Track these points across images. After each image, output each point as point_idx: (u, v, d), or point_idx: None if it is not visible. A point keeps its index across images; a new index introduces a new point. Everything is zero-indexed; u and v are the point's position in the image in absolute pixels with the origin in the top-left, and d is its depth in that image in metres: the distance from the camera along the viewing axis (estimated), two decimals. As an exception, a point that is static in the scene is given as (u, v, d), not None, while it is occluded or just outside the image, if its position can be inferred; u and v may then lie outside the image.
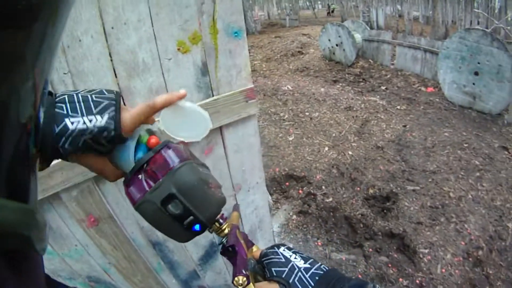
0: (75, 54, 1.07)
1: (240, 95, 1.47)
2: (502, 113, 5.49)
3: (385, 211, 3.50)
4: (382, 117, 5.79)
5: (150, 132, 0.64)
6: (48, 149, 0.51)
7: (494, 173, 3.97)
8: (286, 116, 6.17)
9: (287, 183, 4.17)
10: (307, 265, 0.60)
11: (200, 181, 0.57)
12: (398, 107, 6.16)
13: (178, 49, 1.28)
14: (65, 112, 0.51)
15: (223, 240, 0.66)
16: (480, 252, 2.87)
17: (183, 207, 0.54)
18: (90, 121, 0.51)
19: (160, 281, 1.72)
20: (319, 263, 0.61)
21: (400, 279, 2.73)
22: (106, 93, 0.56)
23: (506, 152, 4.46)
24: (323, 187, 3.94)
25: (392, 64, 8.60)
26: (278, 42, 12.99)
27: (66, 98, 0.52)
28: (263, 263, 0.65)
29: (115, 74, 1.17)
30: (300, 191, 3.95)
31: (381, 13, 16.66)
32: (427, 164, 4.26)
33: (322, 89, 7.44)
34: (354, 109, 6.21)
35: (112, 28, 1.13)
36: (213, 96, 1.43)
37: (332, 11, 29.83)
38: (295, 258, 0.63)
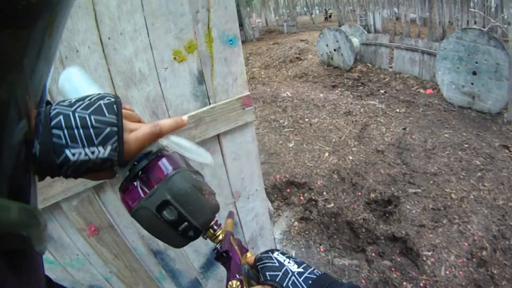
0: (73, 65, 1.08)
1: (237, 102, 1.49)
2: (501, 112, 5.48)
3: (387, 215, 3.49)
4: (382, 120, 5.79)
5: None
6: (48, 174, 0.50)
7: (495, 172, 3.96)
8: (286, 122, 6.19)
9: (288, 190, 4.17)
10: (300, 270, 0.61)
11: (194, 188, 0.58)
12: (398, 110, 6.17)
13: (174, 58, 1.30)
14: (63, 142, 0.48)
15: (217, 246, 0.67)
16: (484, 252, 2.86)
17: (177, 213, 0.55)
18: (93, 153, 0.50)
19: (162, 290, 1.72)
20: (312, 268, 0.63)
21: (404, 283, 2.72)
22: (105, 111, 0.52)
23: (507, 151, 4.45)
24: (324, 192, 3.94)
25: (390, 67, 8.62)
26: (276, 49, 13.05)
27: (63, 122, 0.48)
28: (257, 267, 0.66)
29: (113, 84, 1.19)
30: (301, 198, 3.95)
31: (378, 17, 16.68)
32: (428, 166, 4.25)
33: (321, 95, 7.46)
34: (354, 113, 6.22)
35: (109, 38, 1.15)
36: (210, 104, 1.44)
37: (330, 16, 29.98)
38: (288, 262, 0.64)
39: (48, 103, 0.52)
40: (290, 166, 4.66)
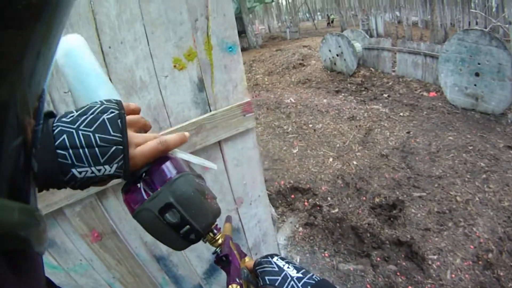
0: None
1: (238, 109, 1.50)
2: (505, 112, 5.44)
3: (392, 219, 3.48)
4: (386, 125, 5.79)
5: None
6: (55, 188, 0.50)
7: (500, 173, 3.94)
8: (290, 128, 6.19)
9: (292, 196, 4.17)
10: (299, 275, 0.62)
11: (197, 192, 0.59)
12: (401, 114, 6.16)
13: (174, 66, 1.32)
14: (69, 162, 0.48)
15: (217, 249, 0.67)
16: (490, 255, 2.84)
17: (180, 216, 0.56)
18: (99, 170, 0.50)
19: (165, 296, 1.73)
20: (311, 273, 0.63)
21: (410, 287, 2.71)
22: (110, 128, 0.51)
23: (512, 152, 4.44)
24: (329, 198, 3.94)
25: (393, 71, 8.60)
26: (279, 55, 13.07)
27: (67, 141, 0.47)
28: (256, 272, 0.66)
29: (114, 92, 1.21)
30: (306, 203, 3.95)
31: (380, 21, 16.70)
32: (432, 169, 4.24)
33: (325, 100, 7.46)
34: (357, 118, 6.21)
35: (110, 47, 1.18)
36: (210, 111, 1.46)
37: (332, 22, 29.98)
38: (288, 267, 0.64)
39: (52, 115, 0.52)
40: (295, 172, 4.66)
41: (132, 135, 0.57)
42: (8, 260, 0.27)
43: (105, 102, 0.54)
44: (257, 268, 0.67)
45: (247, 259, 0.74)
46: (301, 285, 0.60)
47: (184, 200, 0.56)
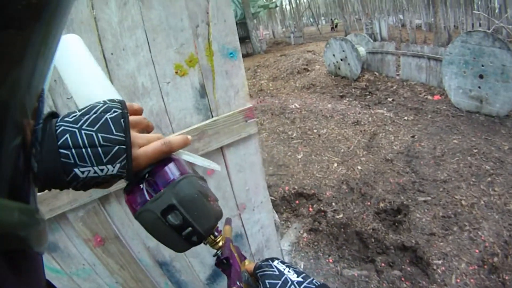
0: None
1: (239, 115, 1.50)
2: (510, 114, 5.41)
3: (396, 224, 3.46)
4: (390, 129, 5.78)
5: None
6: (57, 188, 0.50)
7: (505, 176, 3.92)
8: (294, 134, 6.20)
9: (297, 202, 4.16)
10: (300, 279, 0.61)
11: (200, 194, 0.59)
12: (406, 118, 6.14)
13: (176, 73, 1.33)
14: (72, 161, 0.47)
15: (217, 252, 0.67)
16: (496, 259, 2.82)
17: (182, 218, 0.55)
18: (102, 170, 0.49)
19: (169, 302, 1.73)
20: (312, 278, 0.62)
21: (415, 293, 2.70)
22: (113, 127, 0.50)
23: (517, 154, 4.41)
24: (333, 203, 3.92)
25: (398, 74, 8.58)
26: (283, 61, 13.08)
27: (70, 141, 0.47)
28: (256, 275, 0.66)
29: (117, 99, 1.22)
30: (310, 209, 3.94)
31: (384, 24, 16.70)
32: (437, 173, 4.22)
33: (329, 105, 7.47)
34: (362, 123, 6.21)
35: (112, 54, 1.19)
36: (212, 117, 1.46)
37: (336, 26, 30.08)
38: (288, 271, 0.64)
39: (55, 115, 0.52)
40: (299, 177, 4.66)
41: (135, 136, 0.56)
42: (8, 260, 0.27)
43: (108, 102, 0.54)
44: (257, 271, 0.66)
45: (247, 262, 0.74)
46: None
47: (187, 202, 0.56)
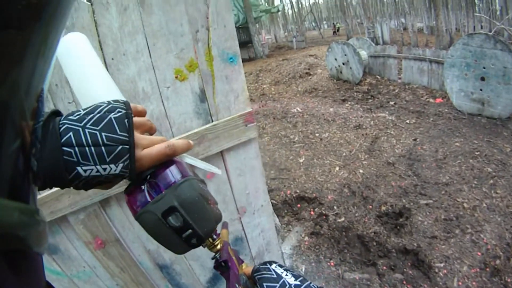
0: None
1: (239, 119, 1.51)
2: (511, 116, 5.41)
3: (398, 227, 3.45)
4: (392, 132, 5.77)
5: None
6: (58, 186, 0.49)
7: (508, 178, 3.91)
8: (296, 138, 6.20)
9: (298, 205, 4.15)
10: (297, 282, 0.62)
11: (201, 197, 0.59)
12: (408, 121, 6.14)
13: (176, 77, 1.34)
14: (75, 159, 0.47)
15: (216, 255, 0.68)
16: (498, 261, 2.81)
17: (183, 220, 0.56)
18: (104, 169, 0.49)
19: (169, 305, 1.74)
20: (309, 281, 0.63)
21: (416, 296, 2.69)
22: (116, 127, 0.51)
23: (519, 156, 4.40)
24: (335, 207, 3.92)
25: (399, 78, 8.56)
26: (286, 65, 13.10)
27: (73, 139, 0.47)
28: (254, 278, 0.67)
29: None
30: (312, 212, 3.93)
31: (386, 28, 16.71)
32: (439, 176, 4.21)
33: (331, 109, 7.47)
34: (364, 127, 6.21)
35: (112, 59, 1.21)
36: (212, 121, 1.47)
37: (338, 30, 30.14)
38: (286, 275, 0.64)
39: (58, 113, 0.52)
40: (301, 181, 4.65)
41: (139, 137, 0.56)
42: (8, 260, 0.27)
43: (112, 102, 0.54)
44: (255, 274, 0.67)
45: (244, 265, 0.75)
46: None
47: (188, 204, 0.57)
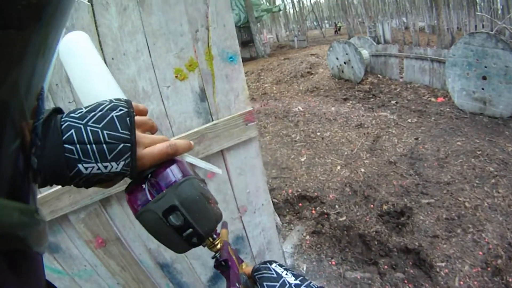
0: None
1: (239, 118, 1.51)
2: (513, 115, 5.39)
3: (400, 226, 3.44)
4: (394, 131, 5.76)
5: None
6: (59, 184, 0.50)
7: (509, 178, 3.90)
8: (298, 137, 6.20)
9: (300, 204, 4.15)
10: (297, 282, 0.62)
11: (202, 196, 0.59)
12: (409, 120, 6.13)
13: (176, 77, 1.34)
14: (76, 157, 0.47)
15: (216, 254, 0.68)
16: (499, 261, 2.80)
17: (183, 219, 0.56)
18: (105, 167, 0.49)
19: (170, 303, 1.74)
20: (309, 281, 0.63)
21: (417, 295, 2.69)
22: (118, 125, 0.51)
23: (521, 155, 4.38)
24: (336, 206, 3.92)
25: (401, 77, 8.55)
26: (287, 64, 13.08)
27: (75, 136, 0.47)
28: (254, 277, 0.67)
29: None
30: (313, 211, 3.93)
31: (387, 27, 16.69)
32: (441, 175, 4.20)
33: (333, 108, 7.47)
34: (365, 126, 6.20)
35: (112, 59, 1.21)
36: (212, 120, 1.47)
37: (339, 29, 30.11)
38: (286, 274, 0.64)
39: (60, 111, 0.52)
40: (302, 180, 4.65)
41: (141, 135, 0.56)
42: (8, 260, 0.27)
43: (114, 100, 0.54)
44: (255, 274, 0.67)
45: (244, 265, 0.75)
46: None
47: (189, 203, 0.57)
